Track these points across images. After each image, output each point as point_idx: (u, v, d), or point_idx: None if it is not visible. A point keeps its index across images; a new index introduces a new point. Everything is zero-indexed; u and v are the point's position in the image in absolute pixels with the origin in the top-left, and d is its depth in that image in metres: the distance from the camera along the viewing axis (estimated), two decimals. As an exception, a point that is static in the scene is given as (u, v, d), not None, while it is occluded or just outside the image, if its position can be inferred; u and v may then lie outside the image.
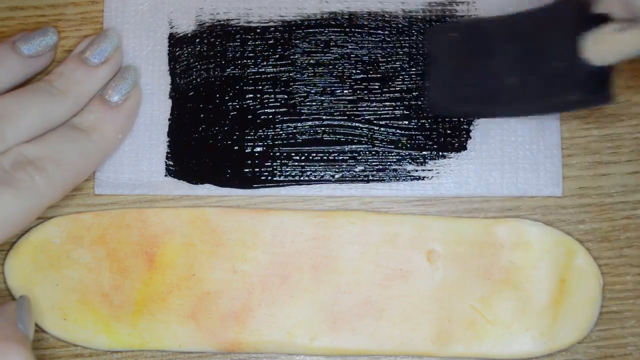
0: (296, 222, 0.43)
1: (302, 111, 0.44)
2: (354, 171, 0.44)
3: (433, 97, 0.44)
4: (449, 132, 0.44)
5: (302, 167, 0.44)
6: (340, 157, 0.44)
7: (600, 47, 0.36)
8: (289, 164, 0.44)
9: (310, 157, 0.44)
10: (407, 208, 0.44)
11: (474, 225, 0.43)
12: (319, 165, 0.44)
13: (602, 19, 0.36)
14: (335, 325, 0.42)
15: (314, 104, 0.44)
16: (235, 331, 0.43)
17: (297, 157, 0.44)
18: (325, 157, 0.44)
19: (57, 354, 0.43)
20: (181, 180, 0.44)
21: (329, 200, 0.44)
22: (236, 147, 0.44)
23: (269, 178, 0.44)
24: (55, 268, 0.43)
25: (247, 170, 0.44)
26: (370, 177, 0.44)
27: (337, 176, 0.44)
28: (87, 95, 0.42)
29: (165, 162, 0.44)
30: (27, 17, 0.45)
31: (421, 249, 0.43)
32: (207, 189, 0.44)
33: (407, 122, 0.44)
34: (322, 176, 0.44)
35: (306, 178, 0.44)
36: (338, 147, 0.44)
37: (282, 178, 0.44)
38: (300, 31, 0.45)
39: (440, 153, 0.44)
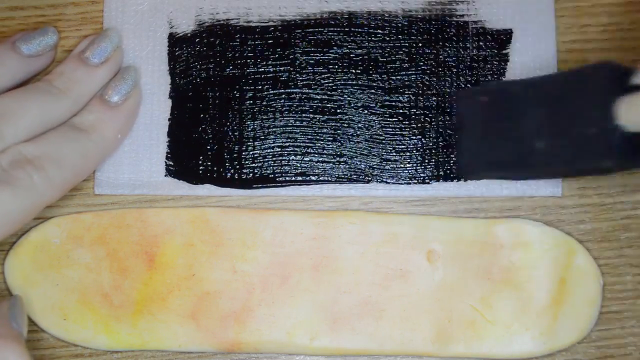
0: (296, 222, 0.43)
1: (302, 110, 0.44)
2: (354, 171, 0.44)
3: (463, 162, 0.43)
4: (448, 132, 0.44)
5: (302, 167, 0.44)
6: (340, 157, 0.44)
7: (635, 114, 0.35)
8: (289, 164, 0.44)
9: (311, 157, 0.44)
10: (407, 208, 0.44)
11: (473, 225, 0.43)
12: (319, 165, 0.44)
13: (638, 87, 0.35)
14: (335, 325, 0.42)
15: (313, 103, 0.44)
16: (235, 331, 0.42)
17: (298, 157, 0.44)
18: (326, 157, 0.44)
19: (57, 354, 0.43)
20: (181, 180, 0.44)
21: (329, 200, 0.44)
22: (236, 147, 0.44)
23: (269, 178, 0.44)
24: (55, 268, 0.43)
25: (247, 170, 0.44)
26: (370, 177, 0.44)
27: (337, 176, 0.44)
28: (87, 95, 0.42)
29: (165, 162, 0.44)
30: (27, 17, 0.45)
31: (421, 249, 0.43)
32: (207, 189, 0.44)
33: (407, 122, 0.44)
34: (322, 176, 0.44)
35: (306, 178, 0.44)
36: (338, 147, 0.44)
37: (282, 178, 0.44)
38: (300, 31, 0.45)
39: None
